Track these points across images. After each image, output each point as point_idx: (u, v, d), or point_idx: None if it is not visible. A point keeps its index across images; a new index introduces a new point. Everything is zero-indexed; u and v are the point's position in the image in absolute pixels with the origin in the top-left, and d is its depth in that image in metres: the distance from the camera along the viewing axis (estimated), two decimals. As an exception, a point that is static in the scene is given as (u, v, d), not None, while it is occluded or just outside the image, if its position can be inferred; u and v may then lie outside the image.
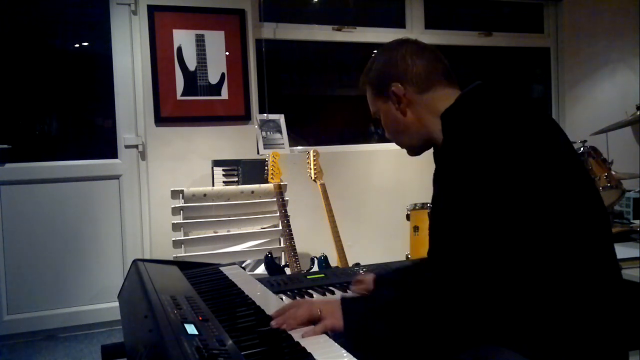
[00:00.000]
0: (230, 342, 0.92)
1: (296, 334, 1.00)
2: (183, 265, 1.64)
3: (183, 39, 3.46)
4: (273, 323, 1.06)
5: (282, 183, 2.92)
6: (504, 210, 0.99)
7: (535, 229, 1.00)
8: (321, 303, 1.14)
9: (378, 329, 1.07)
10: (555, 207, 1.01)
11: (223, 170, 3.29)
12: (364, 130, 4.39)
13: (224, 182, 3.27)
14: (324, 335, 1.01)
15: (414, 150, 1.38)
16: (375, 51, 1.41)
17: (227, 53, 3.56)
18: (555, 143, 1.09)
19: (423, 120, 1.29)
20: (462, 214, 1.04)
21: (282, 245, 2.94)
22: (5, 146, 3.26)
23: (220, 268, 1.61)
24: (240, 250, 2.93)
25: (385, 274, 1.52)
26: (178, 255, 2.72)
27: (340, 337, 1.05)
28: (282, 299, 1.42)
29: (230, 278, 1.46)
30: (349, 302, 1.14)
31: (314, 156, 3.13)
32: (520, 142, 1.03)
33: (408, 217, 3.28)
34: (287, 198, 2.91)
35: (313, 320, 1.09)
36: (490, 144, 1.03)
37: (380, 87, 1.33)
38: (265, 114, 3.68)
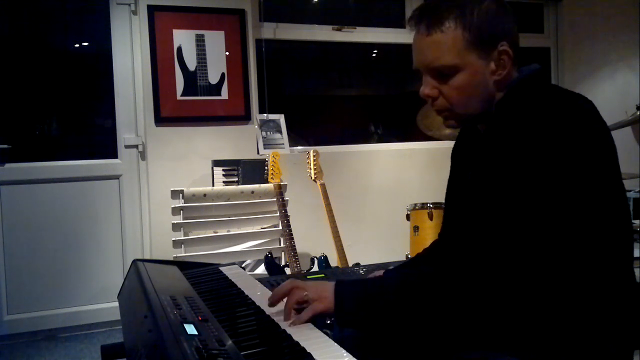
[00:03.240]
0: (229, 342, 0.92)
1: (296, 335, 1.00)
2: (183, 265, 1.64)
3: (183, 39, 3.46)
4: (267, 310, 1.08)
5: (282, 183, 2.92)
6: (543, 211, 0.96)
7: (566, 235, 0.96)
8: (313, 286, 1.10)
9: (371, 317, 1.05)
10: (591, 215, 0.97)
11: (223, 170, 3.29)
12: (364, 130, 4.39)
13: (224, 182, 3.27)
14: (324, 335, 1.01)
15: (462, 122, 1.18)
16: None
17: (227, 53, 3.56)
18: (608, 151, 1.03)
19: (496, 96, 1.12)
20: (498, 206, 1.01)
21: (282, 245, 2.94)
22: (5, 146, 3.26)
23: (220, 268, 1.60)
24: (240, 250, 2.93)
25: (394, 268, 1.49)
26: (178, 255, 2.72)
27: (340, 337, 1.04)
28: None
29: (230, 278, 1.46)
30: (343, 286, 1.09)
31: (314, 156, 3.13)
32: (580, 148, 0.97)
33: (408, 217, 3.28)
34: (287, 198, 2.91)
35: (302, 303, 1.08)
36: (548, 145, 0.96)
37: (486, 40, 1.07)
38: (265, 114, 3.68)
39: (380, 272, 1.51)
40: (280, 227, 2.89)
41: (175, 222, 2.73)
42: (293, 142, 3.79)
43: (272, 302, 1.11)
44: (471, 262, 1.03)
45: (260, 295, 1.27)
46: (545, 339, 1.00)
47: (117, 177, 3.46)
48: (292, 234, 2.84)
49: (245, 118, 3.61)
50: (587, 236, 0.98)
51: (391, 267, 1.51)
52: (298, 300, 1.08)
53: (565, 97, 1.06)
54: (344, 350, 0.92)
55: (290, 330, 1.02)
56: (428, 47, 1.09)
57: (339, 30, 3.99)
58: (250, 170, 3.20)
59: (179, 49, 3.46)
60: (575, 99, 1.05)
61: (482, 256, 1.01)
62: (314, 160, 3.12)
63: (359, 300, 1.06)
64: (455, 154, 1.32)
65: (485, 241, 1.02)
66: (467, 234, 1.12)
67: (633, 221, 3.15)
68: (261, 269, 2.89)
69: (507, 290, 0.98)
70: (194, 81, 3.49)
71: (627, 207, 1.08)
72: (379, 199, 3.89)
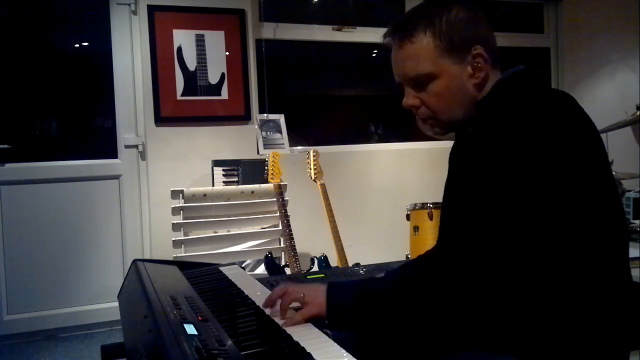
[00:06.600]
0: (229, 342, 0.92)
1: (296, 335, 1.00)
2: (183, 265, 1.64)
3: (183, 39, 3.46)
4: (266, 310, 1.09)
5: (282, 183, 2.92)
6: (533, 208, 0.96)
7: (559, 232, 0.97)
8: (307, 288, 1.13)
9: (362, 320, 1.06)
10: (583, 211, 0.97)
11: (223, 170, 3.29)
12: (364, 130, 4.39)
13: (224, 182, 3.27)
14: (324, 335, 1.01)
15: (447, 128, 1.18)
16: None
17: (227, 53, 3.56)
18: (594, 144, 1.03)
19: (477, 98, 1.12)
20: (489, 205, 1.01)
21: (282, 245, 2.94)
22: (5, 146, 3.26)
23: (220, 268, 1.60)
24: (240, 250, 2.93)
25: (393, 269, 1.49)
26: (178, 255, 2.72)
27: (340, 337, 1.04)
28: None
29: (230, 278, 1.46)
30: (335, 289, 1.10)
31: (314, 156, 3.13)
32: (565, 143, 0.97)
33: (408, 217, 3.28)
34: (287, 198, 2.91)
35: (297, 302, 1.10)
36: (533, 142, 0.97)
37: (458, 45, 1.09)
38: (265, 114, 3.68)
39: (382, 274, 1.51)
40: (280, 227, 2.89)
41: (175, 222, 2.73)
42: (293, 142, 3.79)
43: (266, 305, 1.13)
44: (465, 264, 1.03)
45: (260, 295, 1.27)
46: (542, 339, 1.00)
47: (117, 177, 3.46)
48: (292, 234, 2.84)
49: (245, 118, 3.61)
50: (579, 234, 0.98)
51: (388, 270, 1.51)
52: (294, 299, 1.10)
53: (546, 94, 1.06)
54: (344, 350, 0.92)
55: (290, 330, 1.02)
56: (403, 59, 1.12)
57: (339, 30, 3.99)
58: (250, 170, 3.20)
59: (179, 49, 3.46)
60: (556, 95, 1.06)
61: (475, 257, 1.01)
62: (314, 160, 3.12)
63: (351, 304, 1.07)
64: (452, 156, 1.33)
65: (478, 242, 1.02)
66: (460, 235, 1.13)
67: (633, 221, 3.15)
68: (261, 269, 2.89)
69: (502, 290, 0.98)
70: (194, 81, 3.49)
71: (619, 202, 1.07)
72: (379, 199, 3.89)
